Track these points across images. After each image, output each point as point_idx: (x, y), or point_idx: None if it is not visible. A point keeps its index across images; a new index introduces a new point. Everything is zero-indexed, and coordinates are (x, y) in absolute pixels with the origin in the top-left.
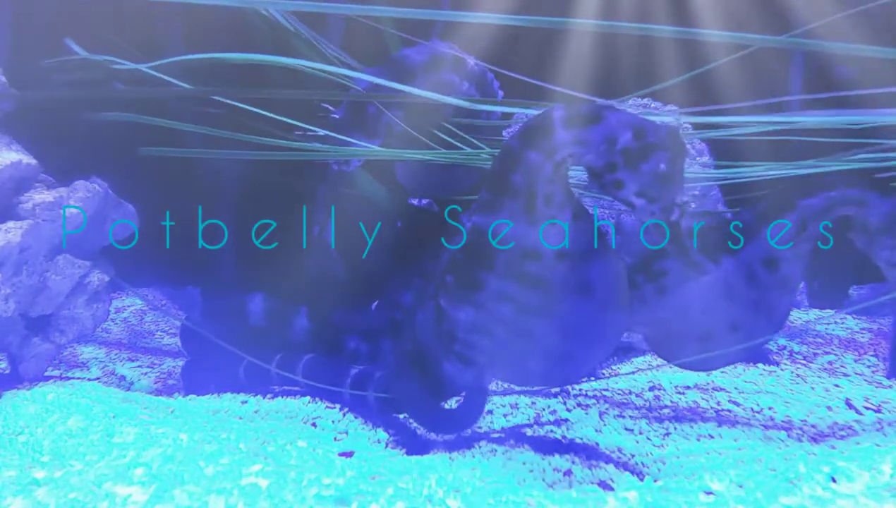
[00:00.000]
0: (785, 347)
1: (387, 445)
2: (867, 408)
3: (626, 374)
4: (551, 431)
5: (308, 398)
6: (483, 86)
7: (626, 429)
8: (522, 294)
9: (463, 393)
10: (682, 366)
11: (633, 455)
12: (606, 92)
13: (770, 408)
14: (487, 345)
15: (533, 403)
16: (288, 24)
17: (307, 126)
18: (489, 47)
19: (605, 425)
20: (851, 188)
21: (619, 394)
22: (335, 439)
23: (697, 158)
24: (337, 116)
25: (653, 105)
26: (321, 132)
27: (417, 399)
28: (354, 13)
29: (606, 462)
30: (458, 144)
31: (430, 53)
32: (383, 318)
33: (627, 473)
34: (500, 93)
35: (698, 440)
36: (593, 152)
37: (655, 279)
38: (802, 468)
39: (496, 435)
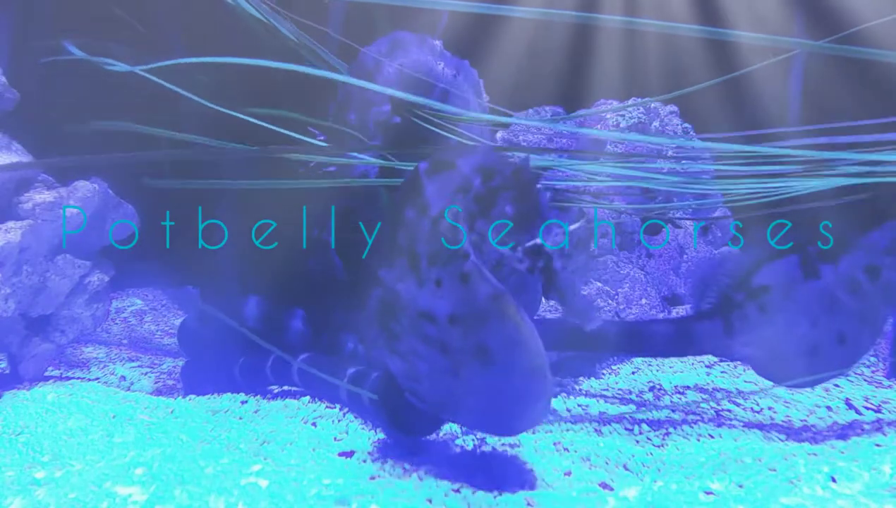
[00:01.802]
0: None
1: (387, 445)
2: (867, 408)
3: (626, 374)
4: (550, 431)
5: (308, 398)
6: (463, 71)
7: (626, 429)
8: (429, 354)
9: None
10: (790, 387)
11: (633, 456)
12: (606, 92)
13: (770, 408)
14: (423, 393)
15: None
16: (289, 33)
17: (307, 138)
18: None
19: (605, 425)
20: None
21: (619, 394)
22: (335, 439)
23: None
24: (323, 138)
25: (653, 105)
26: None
27: (390, 405)
28: None
29: (606, 463)
30: (444, 134)
31: (389, 41)
32: None
33: (627, 473)
34: (481, 81)
35: (698, 440)
36: (458, 202)
37: (757, 296)
38: (802, 468)
39: (496, 436)
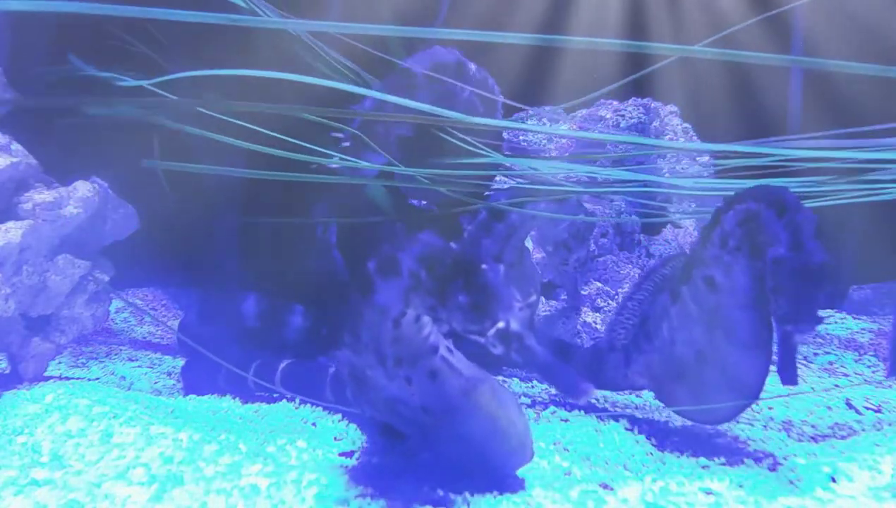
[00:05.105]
0: None
1: (386, 445)
2: (867, 408)
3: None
4: (550, 430)
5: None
6: (484, 91)
7: (626, 429)
8: (405, 425)
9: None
10: (686, 416)
11: (633, 455)
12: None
13: (770, 408)
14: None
15: (532, 404)
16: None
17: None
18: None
19: (605, 425)
20: (751, 201)
21: (619, 394)
22: (335, 439)
23: (697, 158)
24: (348, 144)
25: (653, 104)
26: (334, 160)
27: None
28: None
29: (606, 463)
30: (461, 145)
31: (432, 63)
32: None
33: (627, 473)
34: (500, 97)
35: (699, 440)
36: (414, 300)
37: (643, 326)
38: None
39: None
